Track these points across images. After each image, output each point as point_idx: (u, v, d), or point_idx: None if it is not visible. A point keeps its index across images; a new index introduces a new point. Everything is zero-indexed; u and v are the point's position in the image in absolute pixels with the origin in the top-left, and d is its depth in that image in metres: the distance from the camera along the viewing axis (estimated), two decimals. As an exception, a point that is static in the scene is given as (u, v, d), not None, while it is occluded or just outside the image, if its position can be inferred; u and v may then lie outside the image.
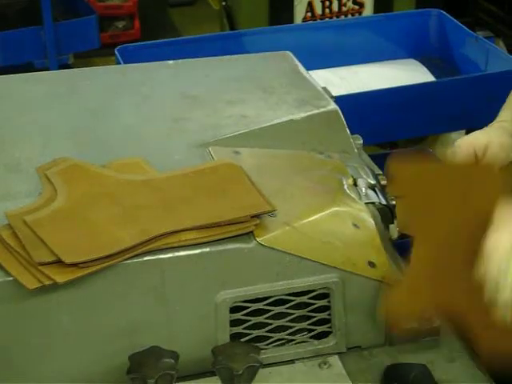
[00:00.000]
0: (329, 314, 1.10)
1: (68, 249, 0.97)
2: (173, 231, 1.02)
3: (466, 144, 1.21)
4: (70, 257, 0.96)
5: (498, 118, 1.29)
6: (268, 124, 1.27)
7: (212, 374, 1.03)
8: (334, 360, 1.10)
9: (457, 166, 1.07)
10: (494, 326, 0.92)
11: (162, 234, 1.01)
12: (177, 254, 1.02)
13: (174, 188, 1.09)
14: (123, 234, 1.00)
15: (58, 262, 0.96)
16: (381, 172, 1.24)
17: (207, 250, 1.03)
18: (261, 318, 1.08)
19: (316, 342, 1.11)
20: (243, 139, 1.24)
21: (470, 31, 2.12)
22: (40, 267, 0.96)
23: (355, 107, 1.66)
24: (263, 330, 1.09)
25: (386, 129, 1.90)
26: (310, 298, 1.09)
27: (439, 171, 1.02)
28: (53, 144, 1.22)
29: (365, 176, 1.19)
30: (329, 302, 1.09)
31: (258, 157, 1.21)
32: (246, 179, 1.11)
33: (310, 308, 1.10)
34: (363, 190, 1.16)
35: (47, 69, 3.47)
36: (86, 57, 3.91)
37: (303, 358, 1.11)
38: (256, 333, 1.09)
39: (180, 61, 1.49)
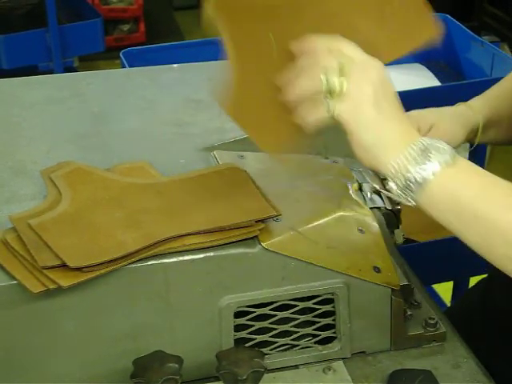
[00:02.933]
0: (333, 320, 1.10)
1: (72, 253, 0.97)
2: (177, 235, 1.01)
3: (412, 117, 1.21)
4: (74, 261, 0.96)
5: (468, 102, 1.29)
6: (273, 128, 1.26)
7: (216, 379, 1.03)
8: (339, 365, 1.10)
9: None
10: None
11: (166, 238, 1.00)
12: (181, 258, 1.02)
13: (179, 192, 1.09)
14: (127, 238, 1.00)
15: (63, 266, 0.96)
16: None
17: (211, 254, 1.03)
18: (265, 323, 1.08)
19: (320, 347, 1.11)
20: (248, 143, 1.24)
21: (476, 36, 2.11)
22: (44, 271, 0.96)
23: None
24: (267, 335, 1.09)
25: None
26: (314, 303, 1.08)
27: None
28: (57, 147, 1.22)
29: (370, 181, 1.19)
30: (333, 307, 1.09)
31: (263, 161, 1.21)
32: (251, 183, 1.11)
33: (314, 313, 1.09)
34: (368, 194, 1.16)
35: (52, 72, 3.48)
36: (91, 60, 3.92)
37: (307, 364, 1.10)
38: (260, 338, 1.08)
39: (184, 64, 1.49)
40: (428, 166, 0.91)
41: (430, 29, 0.93)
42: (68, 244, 0.98)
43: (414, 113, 1.24)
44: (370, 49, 0.90)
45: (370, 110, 0.92)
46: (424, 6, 0.94)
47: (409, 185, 0.92)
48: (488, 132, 1.28)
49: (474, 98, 1.30)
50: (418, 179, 0.91)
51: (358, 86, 0.91)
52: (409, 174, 0.91)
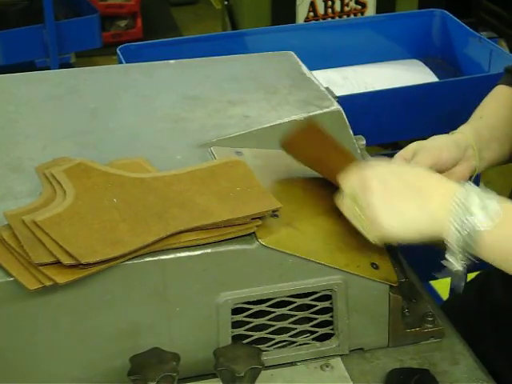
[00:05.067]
0: (331, 316, 1.09)
1: (68, 250, 0.96)
2: (175, 232, 1.01)
3: (397, 158, 1.22)
4: (68, 258, 0.95)
5: (455, 131, 1.29)
6: (270, 124, 1.26)
7: (213, 375, 1.02)
8: (337, 362, 1.10)
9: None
10: None
11: (165, 236, 1.00)
12: (178, 254, 1.01)
13: (180, 187, 1.08)
14: (127, 235, 1.00)
15: (59, 263, 0.96)
16: (384, 173, 1.23)
17: (209, 251, 1.02)
18: (263, 320, 1.07)
19: (318, 343, 1.11)
20: (245, 139, 1.24)
21: (474, 31, 2.11)
22: (40, 268, 0.96)
23: (358, 108, 1.66)
24: (265, 331, 1.08)
25: (388, 129, 1.90)
26: (312, 300, 1.08)
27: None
28: (54, 144, 1.22)
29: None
30: (331, 303, 1.08)
31: (260, 157, 1.21)
32: (253, 176, 1.10)
33: (312, 310, 1.09)
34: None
35: (48, 68, 3.47)
36: (88, 56, 3.91)
37: (305, 360, 1.10)
38: (258, 334, 1.08)
39: (181, 60, 1.48)
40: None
41: (267, 202, 1.06)
42: (64, 241, 0.98)
43: (399, 152, 1.24)
44: (203, 214, 1.03)
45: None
46: (261, 187, 1.09)
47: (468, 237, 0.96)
48: (490, 146, 1.28)
49: (459, 128, 1.31)
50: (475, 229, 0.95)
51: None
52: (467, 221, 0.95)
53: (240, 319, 1.06)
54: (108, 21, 4.19)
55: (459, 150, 1.24)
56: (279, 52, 1.51)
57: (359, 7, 3.46)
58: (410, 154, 1.22)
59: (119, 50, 1.92)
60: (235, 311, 1.05)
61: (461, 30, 2.14)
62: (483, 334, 1.33)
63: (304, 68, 1.44)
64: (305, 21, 3.41)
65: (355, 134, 1.30)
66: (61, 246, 0.96)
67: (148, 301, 1.02)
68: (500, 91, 1.38)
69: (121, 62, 1.87)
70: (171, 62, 1.47)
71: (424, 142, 1.24)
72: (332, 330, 1.10)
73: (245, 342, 1.07)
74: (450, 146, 1.24)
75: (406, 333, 1.13)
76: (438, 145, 1.24)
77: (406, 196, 1.00)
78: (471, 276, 1.57)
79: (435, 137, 1.27)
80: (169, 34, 4.21)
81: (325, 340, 1.11)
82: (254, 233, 1.04)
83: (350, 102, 1.44)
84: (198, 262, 1.02)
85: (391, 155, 2.41)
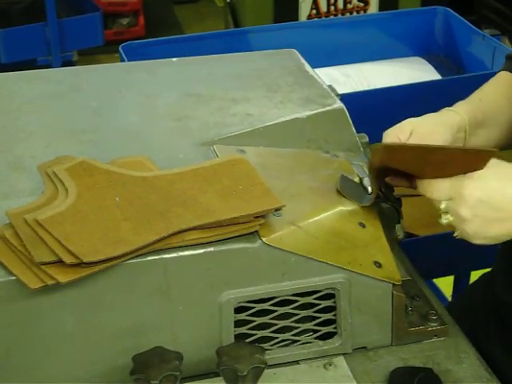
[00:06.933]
0: (334, 315, 1.09)
1: (70, 248, 0.96)
2: (177, 231, 1.01)
3: (391, 135, 1.21)
4: (70, 257, 0.95)
5: (450, 107, 1.28)
6: (273, 122, 1.26)
7: (216, 374, 1.02)
8: (340, 361, 1.10)
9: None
10: None
11: (169, 234, 1.00)
12: (181, 253, 1.01)
13: (182, 186, 1.08)
14: (129, 234, 0.99)
15: (61, 262, 0.96)
16: (387, 171, 1.23)
17: (211, 249, 1.02)
18: (265, 319, 1.07)
19: (321, 342, 1.10)
20: (248, 138, 1.24)
21: (477, 29, 2.10)
22: (43, 267, 0.95)
23: (361, 105, 1.65)
24: (268, 330, 1.08)
25: (391, 127, 1.89)
26: (315, 299, 1.08)
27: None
28: (56, 142, 1.21)
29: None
30: (334, 302, 1.08)
31: (263, 155, 1.20)
32: (255, 174, 1.10)
33: (315, 308, 1.09)
34: (369, 189, 1.15)
35: (51, 66, 3.47)
36: (90, 54, 3.91)
37: (308, 359, 1.10)
38: (261, 333, 1.08)
39: (184, 58, 1.48)
40: None
41: (269, 201, 1.06)
42: (66, 240, 0.97)
43: (395, 127, 1.23)
44: (206, 213, 1.03)
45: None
46: (264, 186, 1.08)
47: None
48: (478, 132, 1.27)
49: (456, 104, 1.29)
50: None
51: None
52: None
53: (243, 318, 1.06)
54: (110, 18, 4.19)
55: (451, 132, 1.22)
56: (282, 50, 1.50)
57: (362, 5, 3.45)
58: (407, 134, 1.20)
59: (121, 47, 1.91)
60: (238, 310, 1.05)
61: (464, 27, 2.13)
62: (488, 334, 1.32)
63: (307, 66, 1.43)
64: (307, 18, 3.41)
65: (358, 131, 1.30)
66: (63, 245, 0.96)
67: (150, 300, 1.02)
68: (502, 78, 1.36)
69: (123, 60, 1.87)
70: (173, 59, 1.47)
71: (416, 122, 1.22)
72: (335, 328, 1.10)
73: (248, 340, 1.07)
74: (441, 129, 1.22)
75: (409, 331, 1.12)
76: (430, 128, 1.21)
77: (502, 223, 1.04)
78: (475, 275, 1.57)
79: (427, 117, 1.25)
80: (171, 31, 4.20)
81: (328, 339, 1.10)
82: (256, 231, 1.03)
83: (352, 100, 1.43)
84: (200, 260, 1.02)
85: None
